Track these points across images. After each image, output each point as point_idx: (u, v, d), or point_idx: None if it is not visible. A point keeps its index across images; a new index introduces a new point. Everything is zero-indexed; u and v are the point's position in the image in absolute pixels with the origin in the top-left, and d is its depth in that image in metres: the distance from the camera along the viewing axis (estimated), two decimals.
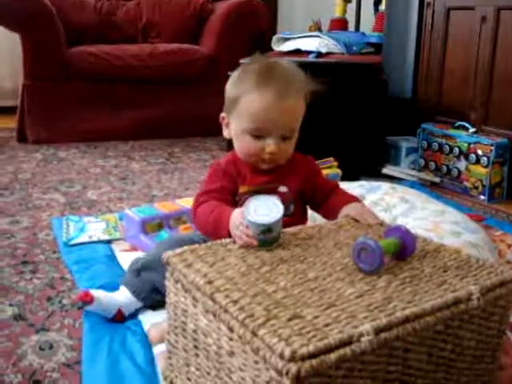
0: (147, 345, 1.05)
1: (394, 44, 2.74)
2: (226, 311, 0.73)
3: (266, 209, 0.91)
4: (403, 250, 0.89)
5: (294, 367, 0.62)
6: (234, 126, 1.09)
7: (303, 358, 0.63)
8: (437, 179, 2.35)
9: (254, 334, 0.67)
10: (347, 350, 0.66)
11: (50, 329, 1.09)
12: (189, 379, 0.87)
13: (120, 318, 1.13)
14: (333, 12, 3.56)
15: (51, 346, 1.03)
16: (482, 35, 2.26)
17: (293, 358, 0.62)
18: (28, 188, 2.07)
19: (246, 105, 1.05)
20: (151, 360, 1.00)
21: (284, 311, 0.71)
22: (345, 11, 3.53)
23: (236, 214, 0.95)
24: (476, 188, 2.20)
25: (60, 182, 2.18)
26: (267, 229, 0.89)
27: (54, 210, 1.83)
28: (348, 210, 1.07)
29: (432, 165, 2.40)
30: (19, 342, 1.05)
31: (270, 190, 1.08)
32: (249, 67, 1.09)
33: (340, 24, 3.45)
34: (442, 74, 2.50)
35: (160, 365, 0.98)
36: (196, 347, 0.83)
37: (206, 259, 0.86)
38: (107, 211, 1.83)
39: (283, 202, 1.05)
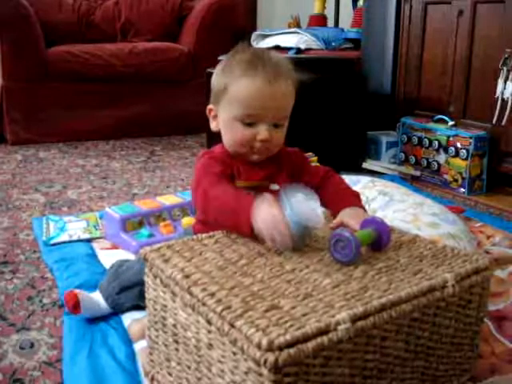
0: (128, 341, 1.04)
1: (373, 39, 2.76)
2: (203, 304, 0.73)
3: (305, 206, 0.87)
4: (378, 240, 0.91)
5: (271, 356, 0.62)
6: (222, 116, 1.06)
7: (281, 348, 0.63)
8: (417, 173, 2.37)
9: (232, 325, 0.68)
10: (324, 339, 0.66)
11: (30, 328, 1.09)
12: (170, 374, 0.87)
13: None
14: (312, 8, 3.57)
15: (32, 345, 1.03)
16: (459, 29, 2.28)
17: (270, 348, 0.63)
18: (8, 189, 2.06)
19: (236, 92, 1.02)
20: (132, 356, 1.00)
21: (261, 302, 0.72)
22: (324, 8, 3.55)
23: (268, 210, 0.87)
24: (456, 181, 2.22)
25: (40, 182, 2.17)
26: (308, 231, 0.89)
27: (34, 210, 1.82)
28: (345, 216, 0.99)
29: (412, 158, 2.42)
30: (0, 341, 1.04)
31: (263, 188, 1.06)
32: (235, 56, 1.06)
33: (319, 20, 3.47)
34: (420, 68, 2.51)
35: (141, 361, 0.98)
36: (176, 342, 0.83)
37: (184, 254, 0.86)
38: (88, 210, 1.82)
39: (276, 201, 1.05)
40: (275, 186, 1.08)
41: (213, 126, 1.10)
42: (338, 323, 0.68)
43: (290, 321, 0.68)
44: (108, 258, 1.39)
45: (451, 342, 0.86)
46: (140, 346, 1.02)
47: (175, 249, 0.88)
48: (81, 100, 3.02)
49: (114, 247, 1.48)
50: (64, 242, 1.50)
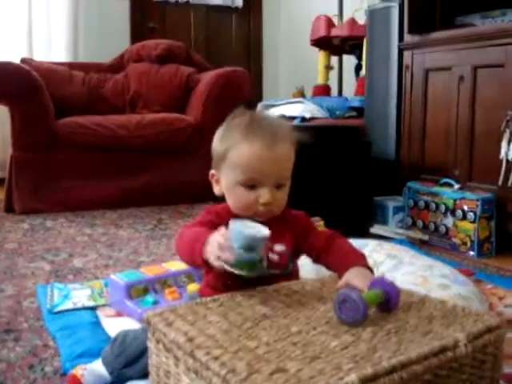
0: None
1: (376, 107, 2.82)
2: (207, 368, 0.71)
3: (252, 229, 0.90)
4: (387, 301, 0.88)
5: None
6: (224, 181, 1.08)
7: None
8: (425, 237, 2.35)
9: None
10: None
11: None
12: None
13: None
14: (316, 79, 3.68)
15: None
16: (461, 94, 2.33)
17: None
18: (14, 257, 2.05)
19: (236, 157, 1.04)
20: None
21: (267, 365, 0.69)
22: (327, 78, 3.65)
23: (216, 232, 0.93)
24: (465, 244, 2.20)
25: (46, 250, 2.16)
26: (251, 245, 0.88)
27: (39, 278, 1.80)
28: (350, 276, 0.97)
29: (419, 223, 2.41)
30: None
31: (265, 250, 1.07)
32: (234, 121, 1.08)
33: (323, 90, 3.56)
34: (423, 133, 2.55)
35: None
36: None
37: (187, 318, 0.84)
38: (93, 278, 1.80)
39: (282, 262, 1.04)
40: (280, 247, 1.06)
41: (216, 190, 1.12)
42: None
43: None
44: (112, 325, 1.36)
45: None
46: None
47: (178, 313, 0.86)
48: (89, 170, 3.06)
49: (119, 314, 1.45)
50: (68, 310, 1.47)
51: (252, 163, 1.02)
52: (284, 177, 1.06)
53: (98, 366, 1.11)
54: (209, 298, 0.93)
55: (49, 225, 2.64)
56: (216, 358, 0.71)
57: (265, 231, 0.91)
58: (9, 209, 2.91)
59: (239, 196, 1.05)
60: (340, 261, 1.05)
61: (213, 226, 1.06)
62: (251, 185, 1.03)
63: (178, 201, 3.21)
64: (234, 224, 0.90)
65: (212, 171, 1.11)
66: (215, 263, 0.91)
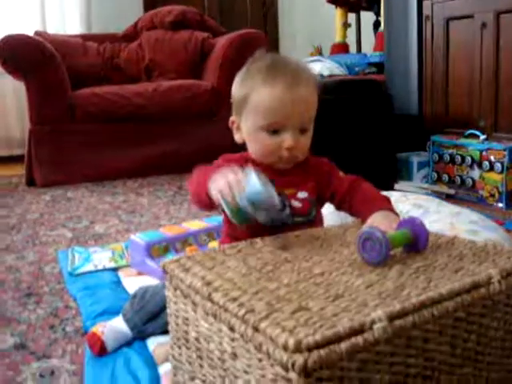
0: (152, 365, 0.99)
1: (396, 61, 2.73)
2: (225, 310, 0.67)
3: (269, 187, 0.86)
4: (415, 242, 0.83)
5: (300, 358, 0.56)
6: (246, 127, 1.03)
7: (310, 349, 0.57)
8: (451, 191, 2.29)
9: (256, 328, 0.62)
10: (359, 339, 0.60)
11: (51, 356, 1.04)
12: None
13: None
14: (333, 38, 3.58)
15: (52, 373, 0.98)
16: (484, 42, 2.24)
17: (298, 349, 0.56)
18: (35, 226, 2.05)
19: (257, 101, 0.99)
20: (157, 381, 0.94)
21: (288, 305, 0.66)
22: (345, 36, 3.55)
23: (235, 167, 0.90)
24: (493, 196, 2.13)
25: (68, 219, 2.16)
26: (258, 202, 0.84)
27: (60, 244, 1.80)
28: (375, 219, 0.95)
29: (445, 177, 2.34)
30: (19, 370, 1.00)
31: (287, 196, 1.02)
32: (253, 65, 1.03)
33: (341, 48, 3.47)
34: (446, 85, 2.46)
35: None
36: (200, 357, 0.77)
37: (205, 264, 0.81)
38: (115, 242, 1.79)
39: (305, 209, 1.02)
40: (303, 194, 1.03)
41: (237, 137, 1.07)
42: (373, 322, 0.62)
43: (320, 321, 0.61)
44: (133, 284, 1.35)
45: (502, 346, 0.78)
46: (164, 369, 0.96)
47: (196, 259, 0.83)
48: (108, 140, 3.05)
49: (140, 275, 1.44)
50: (89, 272, 1.46)
51: (274, 106, 0.98)
52: (307, 120, 1.02)
53: (118, 323, 1.09)
54: (227, 245, 0.89)
55: (70, 195, 2.64)
56: (234, 300, 0.67)
57: (277, 199, 0.87)
58: (30, 182, 2.91)
59: (262, 141, 1.01)
60: (364, 205, 1.01)
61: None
62: (274, 129, 0.99)
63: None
64: (253, 173, 0.85)
65: (232, 118, 1.07)
66: (213, 193, 0.88)
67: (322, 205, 1.09)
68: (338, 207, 1.07)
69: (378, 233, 0.78)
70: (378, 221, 0.93)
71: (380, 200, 1.03)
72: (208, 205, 0.95)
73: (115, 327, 1.08)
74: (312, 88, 1.02)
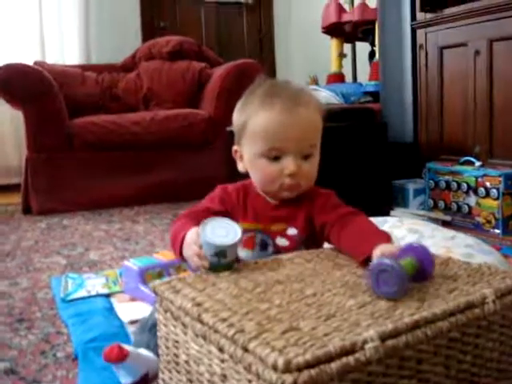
0: None
1: (391, 90, 2.75)
2: (215, 331, 0.66)
3: (223, 231, 0.85)
4: (422, 270, 0.78)
5: (289, 378, 0.55)
6: (246, 155, 1.01)
7: (300, 368, 0.56)
8: (448, 217, 2.29)
9: (245, 349, 0.61)
10: (350, 359, 0.59)
11: (41, 381, 1.02)
12: None
13: (144, 382, 0.96)
14: (329, 68, 3.62)
15: None
16: (477, 69, 2.26)
17: (288, 369, 0.55)
18: (30, 253, 2.03)
19: (255, 126, 0.97)
20: None
21: (278, 325, 0.65)
22: (341, 66, 3.59)
23: (191, 233, 0.89)
24: (489, 222, 2.12)
25: (62, 246, 2.14)
26: (221, 252, 0.83)
27: (54, 271, 1.78)
28: (383, 248, 0.83)
29: (441, 204, 2.34)
30: None
31: (276, 233, 1.01)
32: (253, 91, 1.02)
33: (337, 78, 3.51)
34: (441, 112, 2.48)
35: None
36: (190, 380, 0.75)
37: (196, 286, 0.80)
38: (109, 269, 1.77)
39: (291, 247, 0.98)
40: (292, 231, 1.00)
41: (240, 167, 1.05)
42: (365, 341, 0.61)
43: (311, 341, 0.60)
44: (126, 310, 1.33)
45: (498, 368, 0.77)
46: None
47: (187, 281, 0.82)
48: (105, 168, 3.05)
49: (133, 300, 1.42)
50: (82, 298, 1.44)
51: (273, 130, 0.95)
52: (310, 144, 0.98)
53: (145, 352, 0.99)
54: None
55: (66, 223, 2.62)
56: (224, 320, 0.66)
57: (234, 234, 0.85)
58: (26, 210, 2.90)
59: (262, 169, 0.98)
60: (359, 238, 0.91)
61: (223, 203, 1.02)
62: (275, 156, 0.97)
63: (195, 195, 3.14)
64: (203, 230, 0.84)
65: (235, 147, 1.05)
66: (193, 266, 0.88)
67: (319, 242, 1.02)
68: (327, 238, 0.99)
69: (395, 264, 0.72)
70: (386, 249, 0.83)
71: (381, 234, 0.91)
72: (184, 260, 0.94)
73: (141, 352, 0.99)
74: (313, 110, 0.99)
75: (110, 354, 0.93)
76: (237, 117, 1.03)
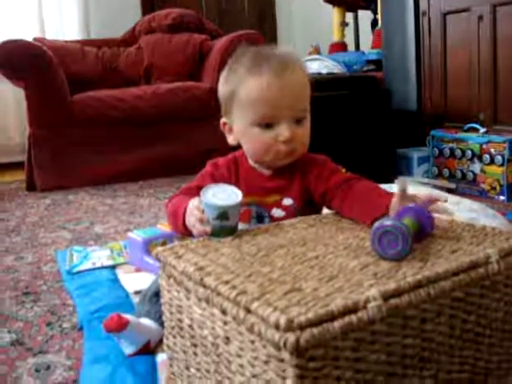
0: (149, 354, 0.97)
1: (394, 57, 2.72)
2: (217, 293, 0.66)
3: (225, 194, 0.84)
4: (420, 230, 0.78)
5: (292, 337, 0.55)
6: (237, 126, 0.98)
7: (302, 327, 0.56)
8: (452, 185, 2.27)
9: (248, 309, 0.61)
10: (353, 318, 0.59)
11: (47, 351, 1.03)
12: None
13: (146, 350, 0.97)
14: (331, 37, 3.57)
15: (48, 367, 0.97)
16: (481, 34, 2.23)
17: (290, 327, 0.55)
18: (35, 229, 2.04)
19: (245, 94, 0.94)
20: (153, 370, 0.92)
21: (280, 286, 0.65)
22: (343, 35, 3.55)
23: (192, 201, 0.88)
24: (494, 189, 2.11)
25: (67, 221, 2.15)
26: (223, 213, 0.83)
27: (59, 245, 1.79)
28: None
29: (446, 171, 2.33)
30: (15, 365, 0.98)
31: (271, 204, 0.99)
32: (237, 60, 0.99)
33: (339, 47, 3.46)
34: (445, 79, 2.45)
35: (162, 376, 0.91)
36: (194, 345, 0.76)
37: (198, 251, 0.80)
38: (113, 242, 1.78)
39: (288, 217, 0.96)
40: (287, 201, 0.99)
41: (230, 139, 1.03)
42: (367, 300, 0.60)
43: (313, 300, 0.60)
44: (130, 280, 1.34)
45: (502, 328, 0.77)
46: (161, 358, 0.94)
47: (189, 247, 0.82)
48: (108, 143, 3.03)
49: (138, 271, 1.42)
50: (87, 270, 1.45)
51: (263, 96, 0.93)
52: (301, 107, 0.96)
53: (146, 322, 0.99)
54: None
55: (70, 199, 2.62)
56: (226, 283, 0.66)
57: (236, 196, 0.85)
58: (31, 187, 2.90)
59: (256, 138, 0.96)
60: (365, 204, 0.89)
61: (214, 180, 1.00)
62: (267, 123, 0.94)
63: (197, 168, 3.14)
64: (204, 194, 0.84)
65: (222, 119, 1.02)
66: (196, 235, 0.86)
67: (317, 210, 1.01)
68: (328, 205, 0.98)
69: (399, 224, 0.72)
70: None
71: (386, 196, 0.89)
72: (190, 234, 0.91)
73: (142, 321, 0.99)
74: (301, 73, 0.98)
75: (110, 323, 0.94)
76: (223, 87, 1.00)
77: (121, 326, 0.93)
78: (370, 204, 0.88)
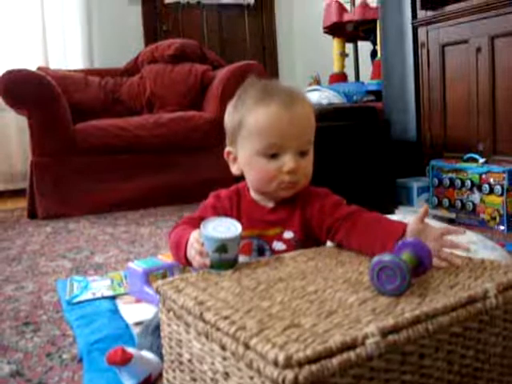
0: None
1: (393, 88, 2.75)
2: (217, 329, 0.67)
3: (224, 227, 0.86)
4: (419, 265, 0.78)
5: (290, 374, 0.55)
6: (242, 155, 1.00)
7: (300, 364, 0.56)
8: (452, 215, 2.28)
9: (247, 345, 0.61)
10: (351, 354, 0.59)
11: (47, 383, 1.02)
12: None
13: (147, 383, 0.97)
14: (331, 68, 3.62)
15: None
16: (479, 66, 2.26)
17: (288, 364, 0.56)
18: (36, 258, 2.04)
19: (252, 123, 0.96)
20: None
21: (279, 322, 0.65)
22: (343, 66, 3.59)
23: (193, 233, 0.90)
24: (494, 219, 2.12)
25: (68, 249, 2.15)
26: (222, 246, 0.83)
27: (60, 274, 1.79)
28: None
29: (445, 201, 2.34)
30: None
31: (272, 237, 1.00)
32: (246, 90, 1.01)
33: (339, 78, 3.51)
34: (444, 110, 2.48)
35: None
36: (193, 379, 0.76)
37: (198, 285, 0.80)
38: (114, 272, 1.78)
39: (288, 251, 0.97)
40: (288, 234, 1.00)
41: (234, 169, 1.04)
42: (366, 337, 0.61)
43: (312, 337, 0.60)
44: (131, 311, 1.34)
45: (501, 363, 0.77)
46: None
47: (189, 280, 0.82)
48: (109, 172, 3.05)
49: (138, 302, 1.42)
50: (87, 300, 1.45)
51: (271, 126, 0.95)
52: (306, 141, 0.98)
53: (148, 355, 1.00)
54: None
55: (71, 227, 2.63)
56: (226, 318, 0.66)
57: (235, 229, 0.86)
58: (32, 215, 2.91)
59: (260, 168, 0.97)
60: (375, 235, 0.89)
61: (216, 211, 1.02)
62: (272, 154, 0.96)
63: (199, 198, 3.14)
64: (204, 227, 0.85)
65: (227, 149, 1.04)
66: (197, 267, 0.88)
67: (318, 243, 1.01)
68: (332, 238, 0.98)
69: (396, 260, 0.72)
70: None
71: (396, 225, 0.90)
72: (192, 265, 0.92)
73: (144, 355, 0.99)
74: (308, 108, 1.00)
75: (114, 357, 0.93)
76: (230, 116, 1.02)
77: (125, 361, 0.93)
78: (385, 230, 0.89)
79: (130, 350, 0.95)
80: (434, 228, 0.86)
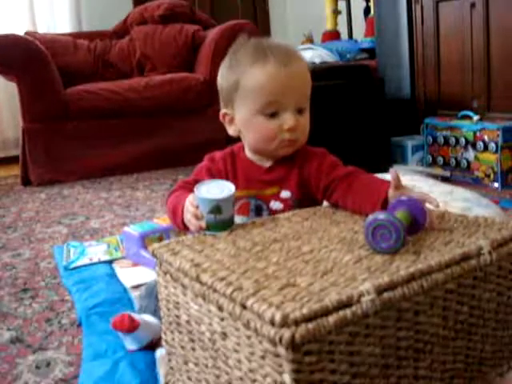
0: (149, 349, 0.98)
1: (387, 46, 2.72)
2: (213, 290, 0.67)
3: (218, 189, 0.85)
4: (414, 222, 0.79)
5: (287, 332, 0.56)
6: (240, 115, 0.98)
7: (297, 322, 0.56)
8: (447, 173, 2.28)
9: (243, 306, 0.61)
10: (347, 312, 0.60)
11: (47, 348, 1.04)
12: (189, 378, 0.80)
13: (149, 347, 0.99)
14: (324, 26, 3.56)
15: (48, 364, 0.98)
16: (474, 22, 2.23)
17: (285, 323, 0.56)
18: (31, 224, 2.04)
19: (250, 83, 0.94)
20: (153, 365, 0.94)
21: (276, 282, 0.65)
22: (336, 23, 3.53)
23: (188, 197, 0.90)
24: (488, 176, 2.12)
25: (63, 215, 2.15)
26: (216, 207, 0.83)
27: (56, 240, 1.79)
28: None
29: (440, 159, 2.34)
30: (15, 362, 1.00)
31: (269, 197, 1.00)
32: (238, 50, 0.99)
33: (332, 36, 3.46)
34: (438, 67, 2.46)
35: (161, 371, 0.92)
36: (192, 340, 0.77)
37: (194, 247, 0.80)
38: (110, 236, 1.79)
39: (285, 210, 0.97)
40: (285, 193, 1.00)
41: (231, 131, 1.03)
42: (361, 295, 0.61)
43: (308, 296, 0.61)
44: (128, 275, 1.35)
45: (495, 318, 0.78)
46: (160, 352, 0.95)
47: (185, 243, 0.83)
48: (102, 136, 3.03)
49: (135, 265, 1.43)
50: (84, 266, 1.46)
51: (269, 84, 0.94)
52: (304, 98, 0.98)
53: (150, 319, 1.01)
54: None
55: (66, 193, 2.63)
56: (222, 279, 0.67)
57: (228, 190, 0.86)
58: (26, 182, 2.90)
59: (260, 127, 0.96)
60: (367, 194, 0.90)
61: (211, 174, 1.01)
62: (272, 112, 0.95)
63: (193, 160, 3.14)
64: (198, 189, 0.85)
65: (223, 111, 1.02)
66: (193, 230, 0.87)
67: (315, 203, 1.00)
68: (329, 198, 0.98)
69: (391, 218, 0.72)
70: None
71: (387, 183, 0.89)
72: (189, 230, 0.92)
73: (147, 320, 1.00)
74: (304, 64, 1.00)
75: (121, 324, 0.95)
76: (225, 77, 1.00)
77: (132, 329, 0.95)
78: (371, 193, 0.90)
79: (137, 318, 0.96)
80: (410, 191, 0.86)
